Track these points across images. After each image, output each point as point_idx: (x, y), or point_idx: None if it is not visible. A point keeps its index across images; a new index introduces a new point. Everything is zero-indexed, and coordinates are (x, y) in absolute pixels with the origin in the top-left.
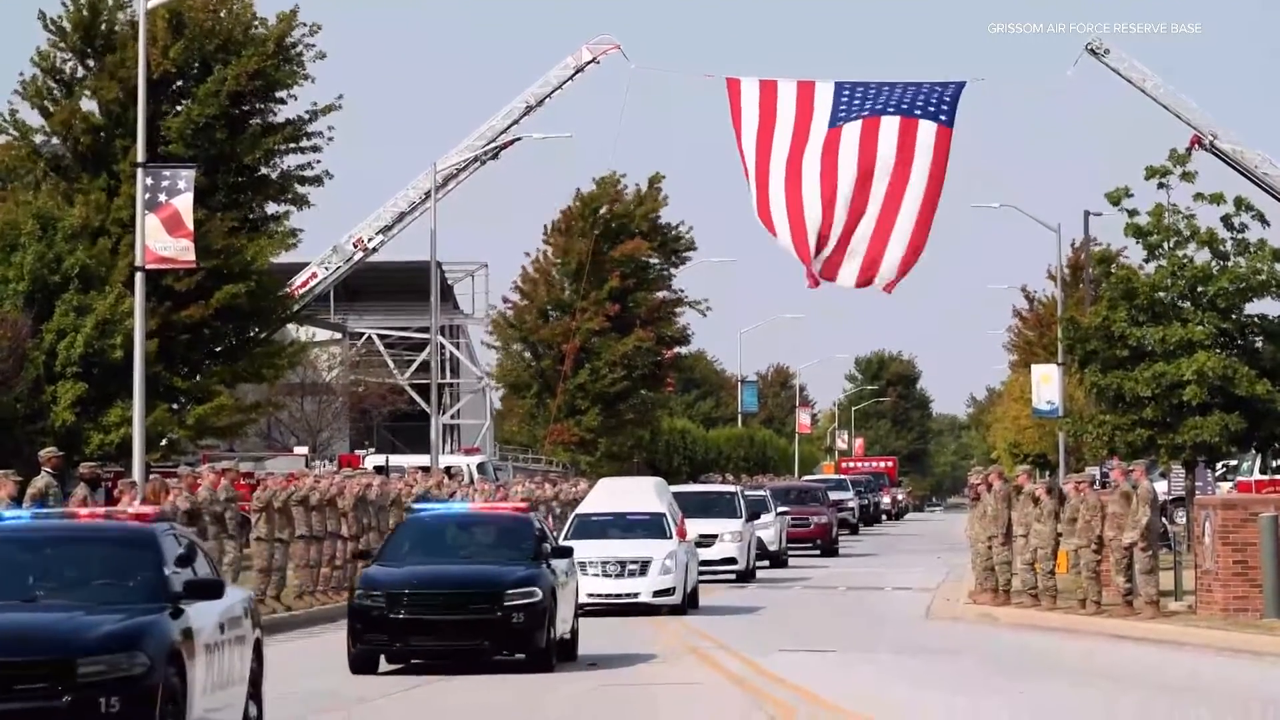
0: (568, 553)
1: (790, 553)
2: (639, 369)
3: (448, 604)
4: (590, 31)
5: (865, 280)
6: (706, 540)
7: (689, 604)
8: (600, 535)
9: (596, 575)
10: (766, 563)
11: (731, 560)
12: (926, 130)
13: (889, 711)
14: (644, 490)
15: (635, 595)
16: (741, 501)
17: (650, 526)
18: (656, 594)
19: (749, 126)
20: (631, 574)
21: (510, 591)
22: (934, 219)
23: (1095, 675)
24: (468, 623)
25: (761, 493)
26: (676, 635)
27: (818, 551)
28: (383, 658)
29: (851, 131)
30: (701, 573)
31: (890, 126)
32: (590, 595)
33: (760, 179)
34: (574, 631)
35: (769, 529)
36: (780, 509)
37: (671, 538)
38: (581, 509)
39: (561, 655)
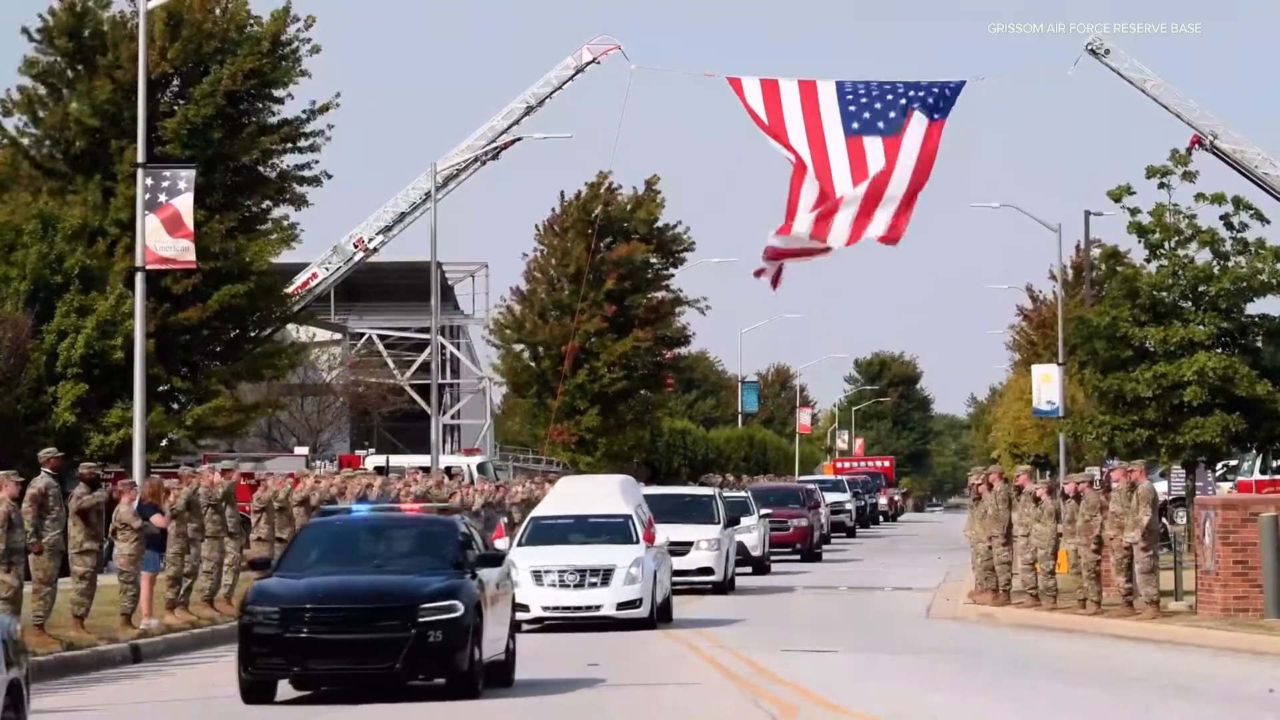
0: (497, 560)
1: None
2: (638, 369)
3: (353, 620)
4: (590, 31)
5: (852, 238)
6: (680, 548)
7: (659, 617)
8: (559, 540)
9: (553, 586)
10: (749, 569)
11: (708, 570)
12: (918, 122)
13: (890, 711)
14: (608, 490)
15: (596, 608)
16: (720, 505)
17: (615, 530)
18: (620, 606)
19: (765, 123)
20: (592, 584)
21: (426, 605)
22: (915, 202)
23: (1095, 675)
24: (377, 642)
25: (743, 494)
26: (674, 635)
27: (798, 556)
28: (282, 683)
29: (874, 145)
30: (676, 583)
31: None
32: (545, 608)
33: (798, 173)
34: (509, 651)
35: (751, 533)
36: (762, 511)
37: (638, 543)
38: (538, 511)
39: (494, 679)
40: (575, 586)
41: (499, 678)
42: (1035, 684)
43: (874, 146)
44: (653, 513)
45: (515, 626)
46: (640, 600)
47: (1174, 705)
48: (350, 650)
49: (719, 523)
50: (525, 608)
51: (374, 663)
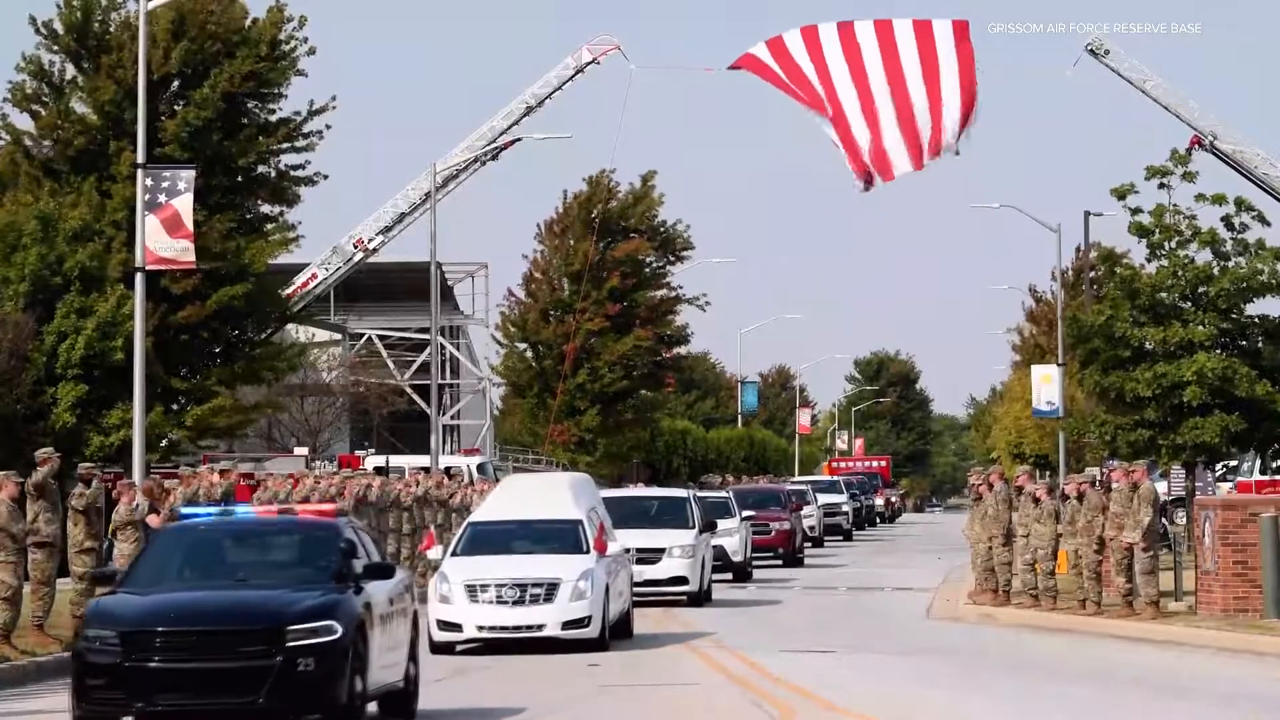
0: (388, 571)
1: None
2: (638, 369)
3: (206, 646)
4: (590, 31)
5: (934, 152)
6: (651, 556)
7: (615, 635)
8: (499, 549)
9: (490, 602)
10: (729, 575)
11: (681, 580)
12: (942, 25)
13: (890, 711)
14: (557, 491)
15: (539, 627)
16: (695, 509)
17: (563, 538)
18: (566, 625)
19: (780, 73)
20: (534, 600)
21: (295, 628)
22: (977, 90)
23: (1095, 676)
24: (235, 672)
25: (724, 494)
26: (671, 636)
27: (779, 561)
28: None
29: (865, 29)
30: (646, 595)
31: (904, 27)
32: (481, 628)
33: (813, 100)
34: (410, 679)
35: (732, 536)
36: (744, 514)
37: (589, 552)
38: (477, 515)
39: (391, 711)
40: (515, 603)
41: (397, 709)
42: (1035, 684)
43: (865, 28)
44: (622, 516)
45: (416, 647)
46: (589, 618)
47: (1174, 706)
48: (203, 682)
49: (694, 527)
50: (458, 627)
51: (232, 696)
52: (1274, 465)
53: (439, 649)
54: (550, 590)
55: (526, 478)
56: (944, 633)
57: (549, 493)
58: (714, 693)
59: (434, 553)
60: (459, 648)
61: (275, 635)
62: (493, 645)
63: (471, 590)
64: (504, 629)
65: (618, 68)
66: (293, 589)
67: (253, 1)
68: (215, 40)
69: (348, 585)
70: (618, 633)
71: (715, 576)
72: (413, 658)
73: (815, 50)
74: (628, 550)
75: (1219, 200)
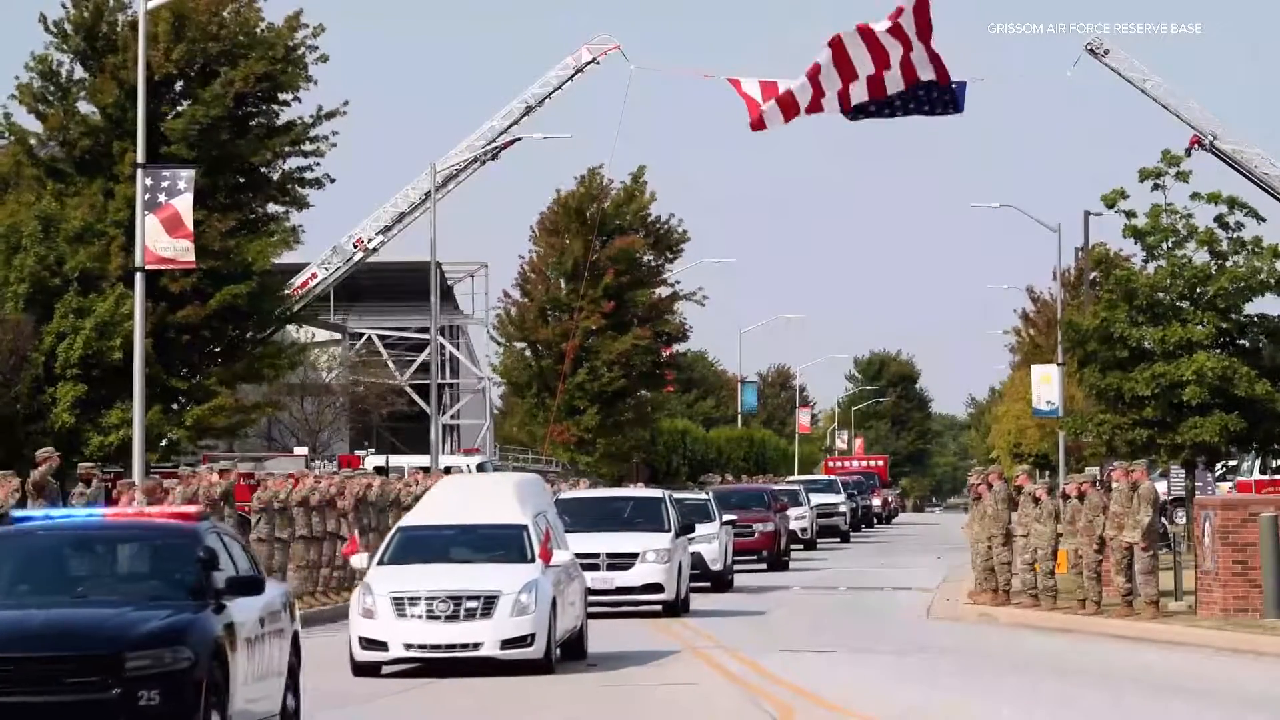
0: (257, 586)
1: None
2: (637, 368)
3: (29, 676)
4: (590, 31)
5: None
6: (624, 561)
7: (568, 655)
8: (433, 558)
9: (419, 617)
10: (706, 584)
11: (656, 587)
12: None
13: (890, 711)
14: (500, 492)
15: (475, 646)
16: (671, 510)
17: (506, 545)
18: (506, 644)
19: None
20: (470, 615)
21: (135, 654)
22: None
23: (1095, 675)
24: (64, 707)
25: (703, 496)
26: (674, 634)
27: (764, 565)
28: None
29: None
30: (618, 604)
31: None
32: (409, 646)
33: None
34: (289, 712)
35: (711, 543)
36: (725, 517)
37: (534, 561)
38: (409, 519)
39: None
40: (448, 618)
41: None
42: (1035, 684)
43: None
44: (593, 519)
45: (297, 674)
46: (531, 636)
47: (1173, 705)
48: (29, 718)
49: (670, 530)
50: (383, 645)
51: None
52: (1274, 465)
53: (362, 670)
54: (488, 604)
55: (468, 477)
56: (944, 633)
57: (491, 494)
58: (712, 692)
59: (358, 560)
60: (385, 669)
61: (111, 663)
62: (425, 667)
63: (399, 603)
64: (435, 647)
65: (618, 67)
66: (137, 607)
67: (270, 5)
68: (218, 41)
69: (206, 602)
70: (570, 653)
71: (692, 585)
72: (292, 687)
73: (814, 77)
74: (597, 555)
75: (1215, 199)
